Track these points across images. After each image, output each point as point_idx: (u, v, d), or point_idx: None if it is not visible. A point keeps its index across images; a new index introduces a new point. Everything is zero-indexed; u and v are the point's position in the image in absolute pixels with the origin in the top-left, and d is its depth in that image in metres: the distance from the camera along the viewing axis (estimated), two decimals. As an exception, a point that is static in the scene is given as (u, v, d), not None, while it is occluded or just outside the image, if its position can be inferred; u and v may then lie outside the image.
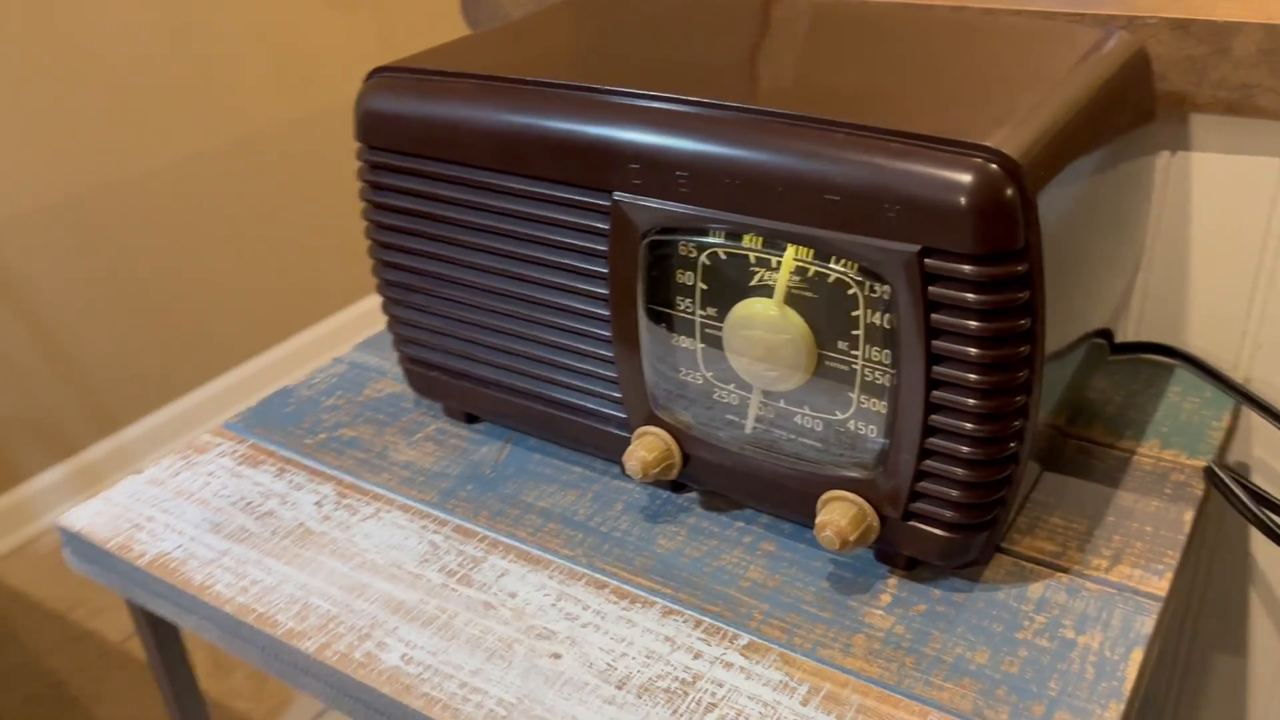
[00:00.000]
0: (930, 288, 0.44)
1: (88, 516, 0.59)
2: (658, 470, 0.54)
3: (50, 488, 1.79)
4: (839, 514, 0.49)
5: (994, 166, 0.42)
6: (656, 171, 0.48)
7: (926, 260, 0.43)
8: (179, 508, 0.59)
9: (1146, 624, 0.48)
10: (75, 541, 0.58)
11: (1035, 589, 0.50)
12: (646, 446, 0.54)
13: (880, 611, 0.50)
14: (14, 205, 1.64)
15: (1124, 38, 0.55)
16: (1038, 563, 0.52)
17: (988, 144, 0.42)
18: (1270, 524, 0.53)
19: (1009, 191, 0.42)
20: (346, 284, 2.19)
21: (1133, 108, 0.54)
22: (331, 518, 0.58)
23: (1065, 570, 0.51)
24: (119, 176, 1.75)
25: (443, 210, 0.57)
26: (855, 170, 0.43)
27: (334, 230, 2.11)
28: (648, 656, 0.48)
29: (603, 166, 0.50)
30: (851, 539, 0.49)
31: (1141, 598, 0.49)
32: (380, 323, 2.35)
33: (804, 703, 0.45)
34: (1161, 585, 0.50)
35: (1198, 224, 0.65)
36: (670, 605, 0.51)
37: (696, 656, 0.48)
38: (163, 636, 0.62)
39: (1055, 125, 0.45)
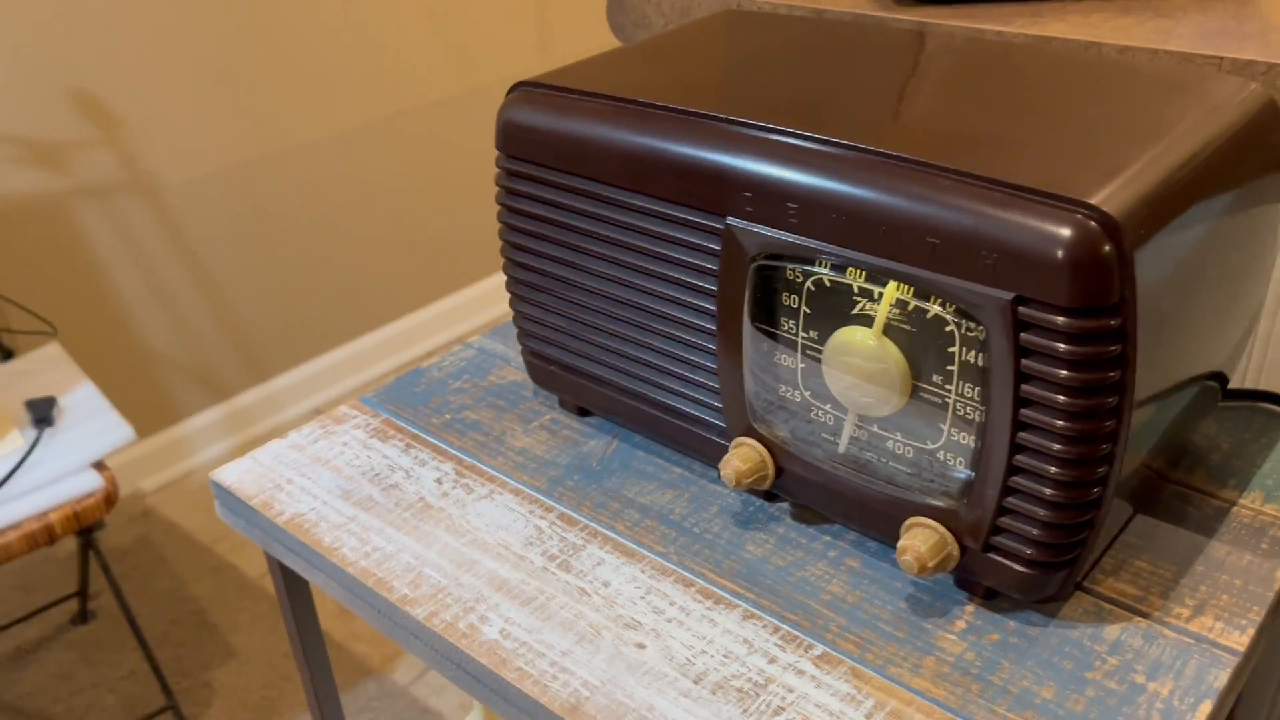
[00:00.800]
0: (1022, 334, 0.45)
1: (237, 474, 0.65)
2: (751, 480, 0.57)
3: (204, 428, 1.93)
4: (920, 540, 0.51)
5: (1093, 223, 0.43)
6: (768, 201, 0.51)
7: (1020, 308, 0.45)
8: (315, 473, 0.65)
9: (1221, 677, 0.49)
10: (225, 495, 0.65)
11: (1111, 630, 0.51)
12: (742, 457, 0.57)
13: (954, 636, 0.52)
14: (192, 169, 1.77)
15: (1255, 90, 0.55)
16: (1117, 604, 0.53)
17: (1090, 200, 0.43)
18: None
19: (1106, 248, 0.43)
20: (483, 260, 2.27)
21: (1259, 159, 0.53)
22: (450, 495, 0.62)
23: (1145, 615, 0.52)
24: (283, 146, 1.85)
25: (570, 220, 0.60)
26: (956, 216, 0.45)
27: (475, 207, 2.19)
28: (725, 656, 0.51)
29: (718, 192, 0.53)
30: (930, 565, 0.51)
31: (1220, 650, 0.50)
32: (506, 304, 2.43)
33: (868, 716, 0.48)
34: (1242, 640, 0.50)
35: (1328, 275, 0.64)
36: (751, 609, 0.54)
37: (771, 661, 0.51)
38: (293, 584, 0.69)
39: (1165, 182, 0.46)
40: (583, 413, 0.69)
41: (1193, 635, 0.51)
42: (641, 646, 0.52)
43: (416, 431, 0.68)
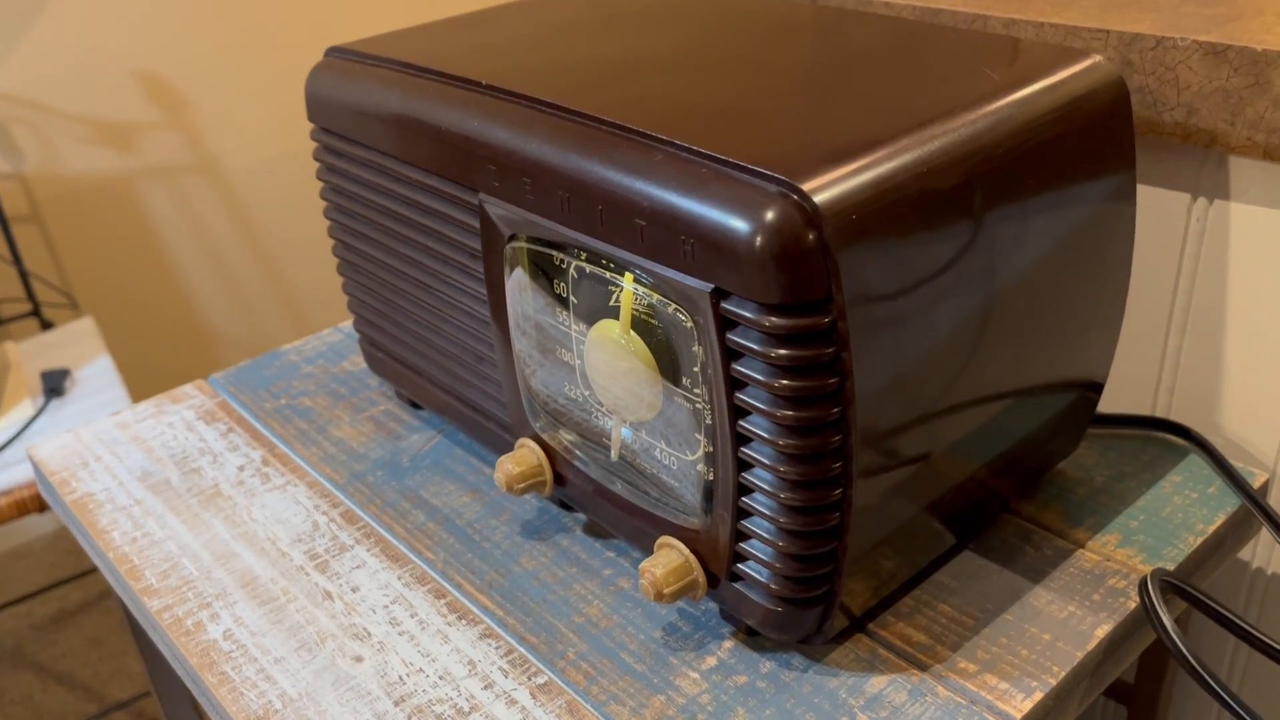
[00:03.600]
0: (728, 334, 0.39)
1: (51, 449, 0.63)
2: (524, 485, 0.52)
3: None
4: (660, 563, 0.45)
5: (793, 208, 0.36)
6: (508, 174, 0.46)
7: (721, 303, 0.39)
8: (127, 453, 0.63)
9: (986, 748, 0.41)
10: (36, 470, 0.63)
11: (877, 682, 0.44)
12: (516, 459, 0.52)
13: (696, 675, 0.45)
14: (252, 154, 1.80)
15: (1100, 70, 0.47)
16: (895, 652, 0.46)
17: (797, 182, 0.37)
18: (1196, 666, 0.44)
19: (809, 237, 0.36)
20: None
21: (1092, 146, 0.45)
22: (245, 483, 0.59)
23: (923, 668, 0.45)
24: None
25: (370, 195, 0.56)
26: (661, 194, 0.39)
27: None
28: (441, 677, 0.46)
29: (470, 164, 0.48)
30: (667, 591, 0.45)
31: (991, 715, 0.42)
32: None
33: (563, 758, 0.42)
34: (1023, 705, 0.43)
35: (1237, 285, 0.55)
36: (494, 627, 0.49)
37: (487, 687, 0.46)
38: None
39: (914, 167, 0.39)
40: (415, 405, 0.65)
41: (968, 694, 0.43)
42: (359, 660, 0.47)
43: (244, 415, 0.65)
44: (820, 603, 0.43)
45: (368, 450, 0.61)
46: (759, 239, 0.36)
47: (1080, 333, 0.48)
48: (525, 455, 0.52)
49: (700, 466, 0.45)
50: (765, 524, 0.42)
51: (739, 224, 0.37)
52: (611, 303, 0.46)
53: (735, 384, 0.40)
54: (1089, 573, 0.49)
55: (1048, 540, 0.51)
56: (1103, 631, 0.46)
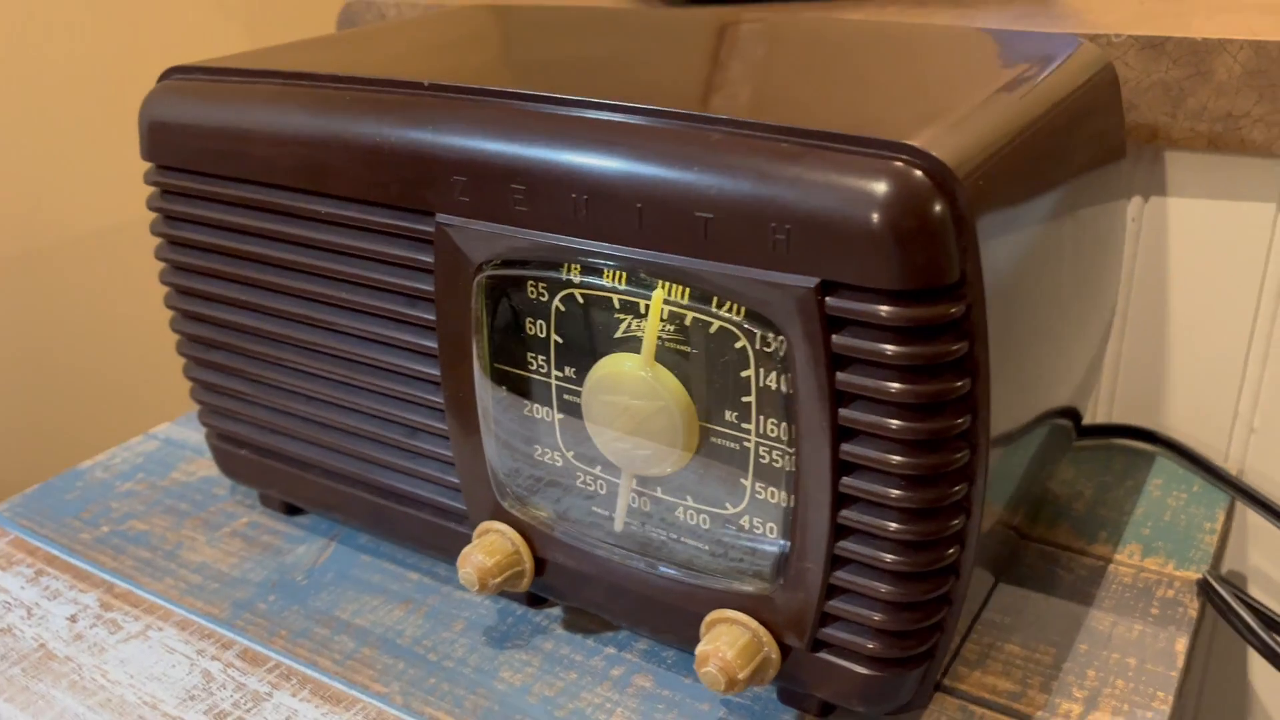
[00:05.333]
0: (834, 336, 0.32)
1: None
2: (500, 580, 0.42)
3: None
4: (726, 642, 0.37)
5: (917, 171, 0.30)
6: (487, 184, 0.37)
7: (827, 299, 0.32)
8: (-108, 622, 0.46)
9: (1134, 796, 0.36)
10: None
11: (987, 745, 0.38)
12: (487, 548, 0.42)
13: (781, 776, 0.37)
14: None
15: (1088, 50, 0.45)
16: (991, 707, 0.39)
17: (911, 143, 0.31)
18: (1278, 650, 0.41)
19: (937, 206, 0.30)
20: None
21: (1098, 138, 0.43)
22: (85, 636, 0.44)
23: (1027, 717, 0.39)
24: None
25: (240, 243, 0.45)
26: (732, 177, 0.32)
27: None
28: (459, 841, 0.35)
29: (421, 180, 0.38)
30: (741, 677, 0.36)
31: (1126, 758, 0.37)
32: None
33: None
34: (1152, 740, 0.38)
35: (1178, 284, 0.54)
36: (502, 764, 0.38)
37: (526, 842, 0.35)
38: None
39: (1004, 129, 0.34)
40: (291, 511, 0.52)
41: (1090, 740, 0.38)
42: (335, 840, 0.35)
43: (55, 552, 0.50)
44: (924, 660, 0.37)
45: (245, 573, 0.48)
46: (884, 212, 0.30)
47: (1089, 334, 0.46)
48: (497, 542, 0.42)
49: (746, 520, 0.37)
50: (869, 573, 0.35)
51: (857, 196, 0.30)
52: (620, 333, 0.38)
53: (841, 399, 0.33)
54: (1132, 587, 0.45)
55: (1075, 560, 0.47)
56: (1182, 646, 0.42)
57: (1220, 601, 0.42)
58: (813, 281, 0.32)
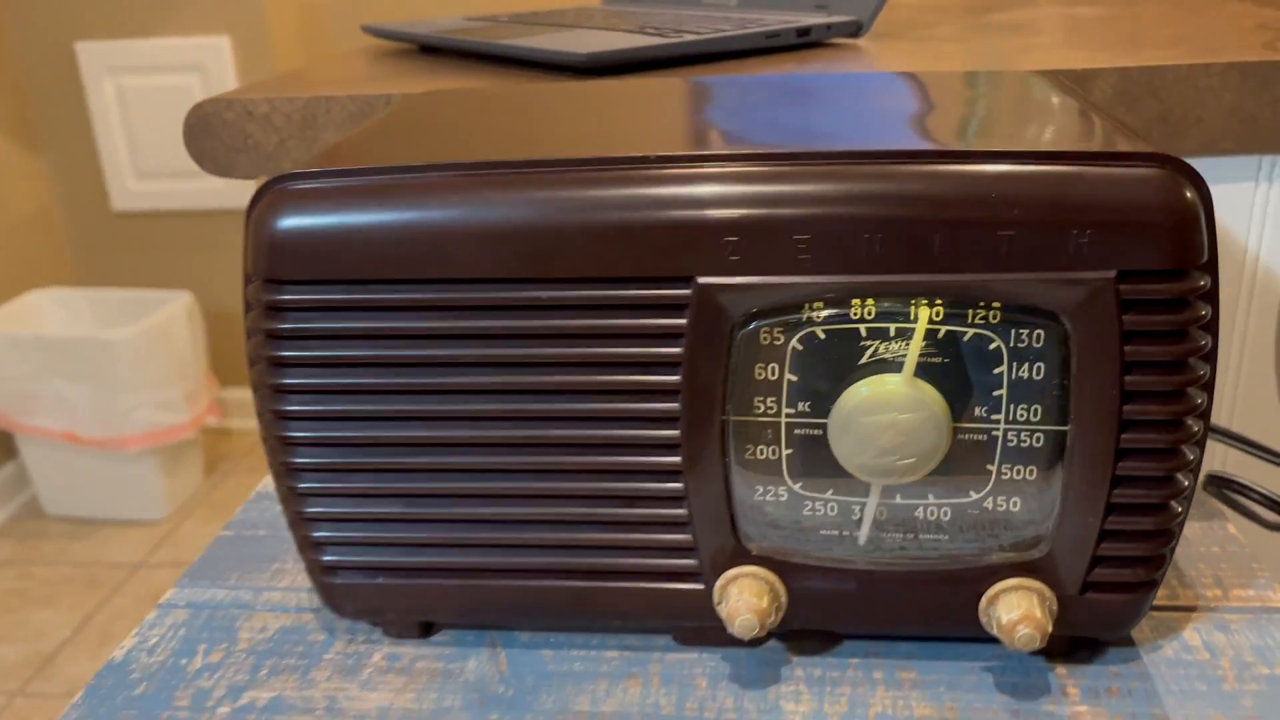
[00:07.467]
0: (1126, 316, 0.39)
1: None
2: (773, 620, 0.43)
3: None
4: (1026, 606, 0.42)
5: (1179, 175, 0.38)
6: (764, 240, 0.39)
7: (1121, 286, 0.39)
8: None
9: (1304, 637, 0.46)
10: None
11: (1190, 637, 0.46)
12: (754, 592, 0.43)
13: (1085, 709, 0.43)
14: None
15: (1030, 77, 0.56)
16: (1161, 609, 0.48)
17: (1156, 151, 0.39)
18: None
19: (1190, 197, 0.38)
20: None
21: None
22: (329, 818, 0.39)
23: (1191, 609, 0.48)
24: None
25: (412, 350, 0.42)
26: (1034, 197, 0.38)
27: None
28: None
29: (680, 248, 0.40)
30: (1049, 628, 0.42)
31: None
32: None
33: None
34: (1283, 596, 0.48)
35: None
36: (867, 779, 0.40)
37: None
38: None
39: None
40: (426, 631, 0.49)
41: (1249, 610, 0.48)
42: None
43: (194, 750, 0.42)
44: (1159, 581, 0.44)
45: (437, 702, 0.44)
46: (1170, 208, 0.38)
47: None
48: (755, 586, 0.43)
49: (990, 501, 0.43)
50: (1138, 512, 0.42)
51: (1148, 198, 0.38)
52: (863, 361, 0.42)
53: (1128, 368, 0.40)
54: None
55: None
56: (1232, 528, 0.53)
57: (1232, 488, 0.55)
58: (1112, 272, 0.38)
